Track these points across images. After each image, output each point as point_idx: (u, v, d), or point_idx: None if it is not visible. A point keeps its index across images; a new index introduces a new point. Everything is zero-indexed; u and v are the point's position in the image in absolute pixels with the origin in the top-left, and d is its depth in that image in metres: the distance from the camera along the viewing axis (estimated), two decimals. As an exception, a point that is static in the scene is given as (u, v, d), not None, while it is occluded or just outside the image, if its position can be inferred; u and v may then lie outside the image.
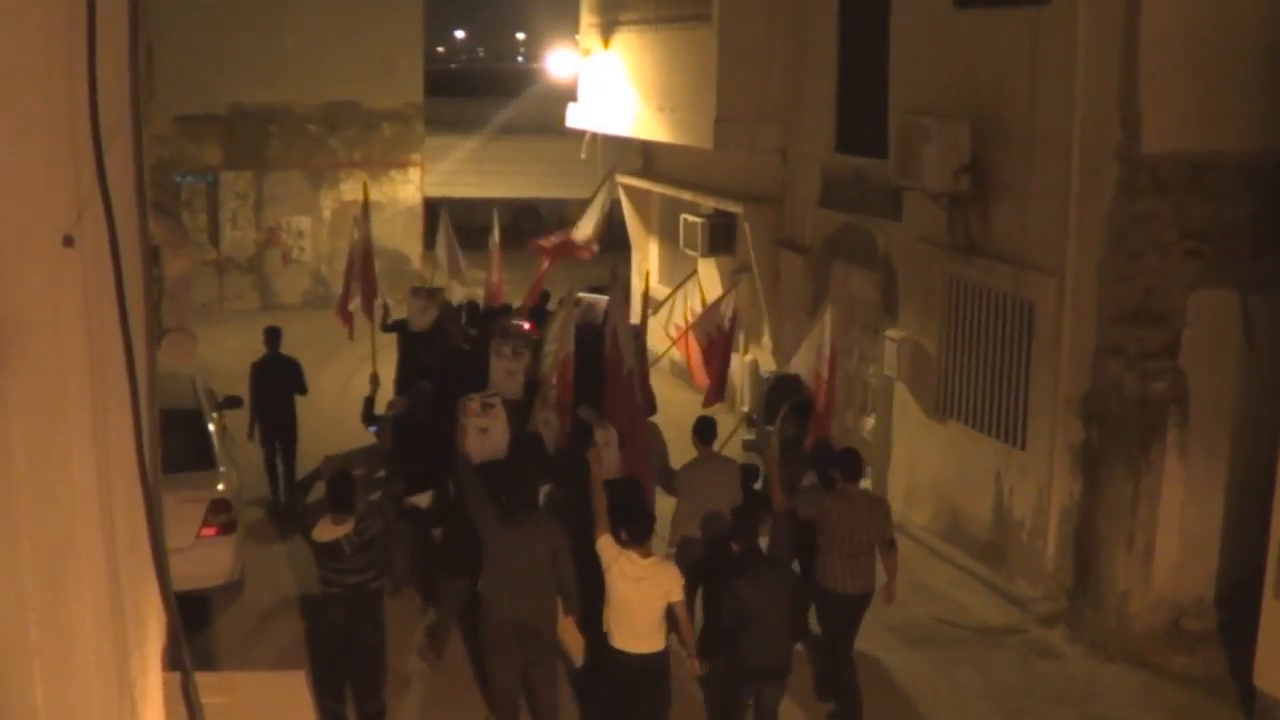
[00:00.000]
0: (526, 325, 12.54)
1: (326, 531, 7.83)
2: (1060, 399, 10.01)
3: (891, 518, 8.58)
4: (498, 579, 7.72)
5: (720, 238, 15.15)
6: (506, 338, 11.28)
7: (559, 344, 10.27)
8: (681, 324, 12.16)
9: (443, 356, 12.00)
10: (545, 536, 7.69)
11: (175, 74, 18.68)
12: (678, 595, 7.36)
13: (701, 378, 11.67)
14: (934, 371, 11.54)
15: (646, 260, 17.67)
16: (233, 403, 11.76)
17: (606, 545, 7.40)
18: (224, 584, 9.59)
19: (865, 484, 10.71)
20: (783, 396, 12.18)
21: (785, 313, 14.37)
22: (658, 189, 16.98)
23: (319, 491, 8.32)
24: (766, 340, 14.82)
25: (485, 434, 9.28)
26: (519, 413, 9.78)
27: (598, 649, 7.68)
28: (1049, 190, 10.01)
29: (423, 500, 9.68)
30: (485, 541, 7.80)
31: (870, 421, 12.95)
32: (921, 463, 11.89)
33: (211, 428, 10.32)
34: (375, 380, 11.51)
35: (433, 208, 19.00)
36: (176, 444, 9.11)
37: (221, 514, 9.45)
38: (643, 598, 7.32)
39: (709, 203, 15.30)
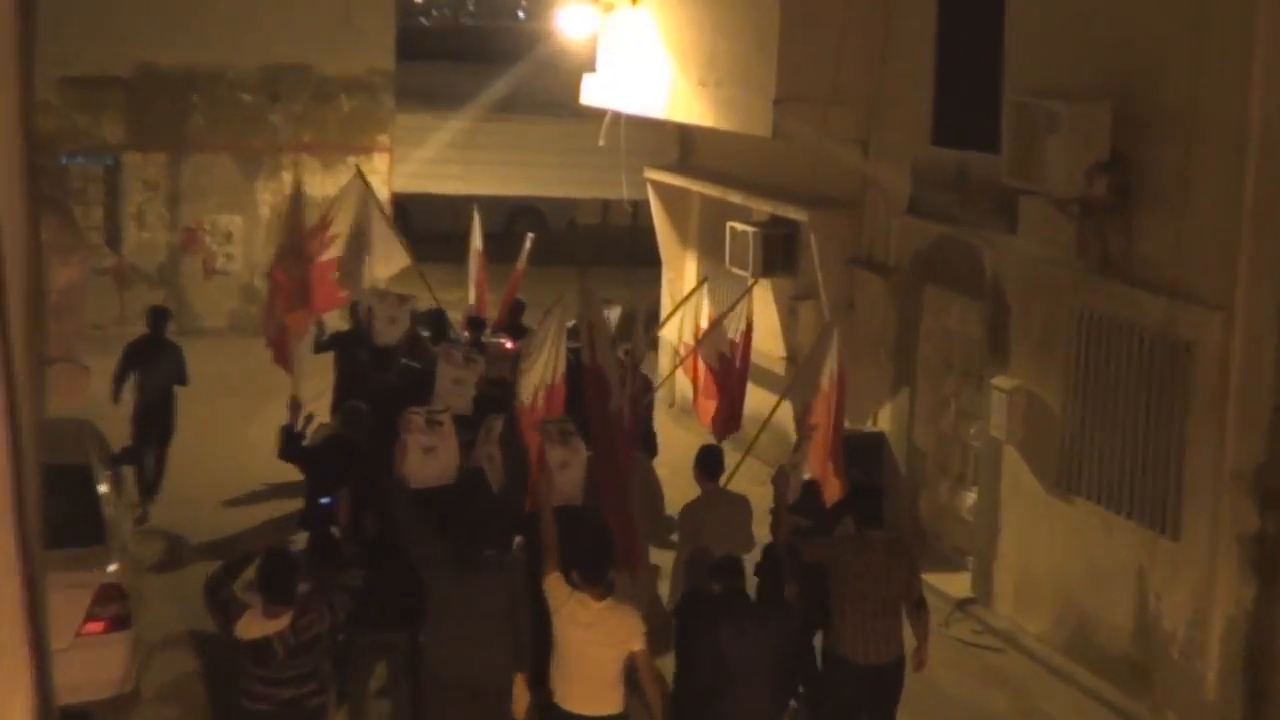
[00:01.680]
0: (509, 343, 13.11)
1: (254, 627, 7.74)
2: (1227, 473, 9.94)
3: (919, 571, 9.09)
4: (448, 632, 8.07)
5: (778, 253, 15.19)
6: (457, 343, 12.08)
7: (546, 367, 10.55)
8: (690, 343, 12.87)
9: (406, 380, 12.35)
10: (504, 581, 8.20)
11: (63, 21, 18.37)
12: (639, 644, 7.78)
13: (703, 406, 12.32)
14: (1056, 433, 11.49)
15: (680, 280, 17.66)
16: (128, 457, 11.91)
17: (555, 585, 7.91)
18: (112, 697, 9.34)
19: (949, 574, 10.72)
20: (851, 456, 12.35)
21: (860, 354, 14.32)
22: (697, 188, 17.04)
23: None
24: None
25: (430, 455, 9.94)
26: (466, 431, 10.48)
27: (545, 713, 8.10)
28: (1215, 197, 9.98)
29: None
30: (432, 587, 8.20)
31: (970, 497, 12.93)
32: (1038, 553, 11.83)
33: (103, 489, 10.23)
34: (296, 406, 11.75)
35: (403, 206, 19.09)
36: (56, 511, 9.01)
37: (111, 604, 9.27)
38: (596, 648, 7.77)
39: (764, 207, 15.36)
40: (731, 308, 12.65)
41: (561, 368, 10.68)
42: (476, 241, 15.46)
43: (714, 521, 9.67)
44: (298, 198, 14.17)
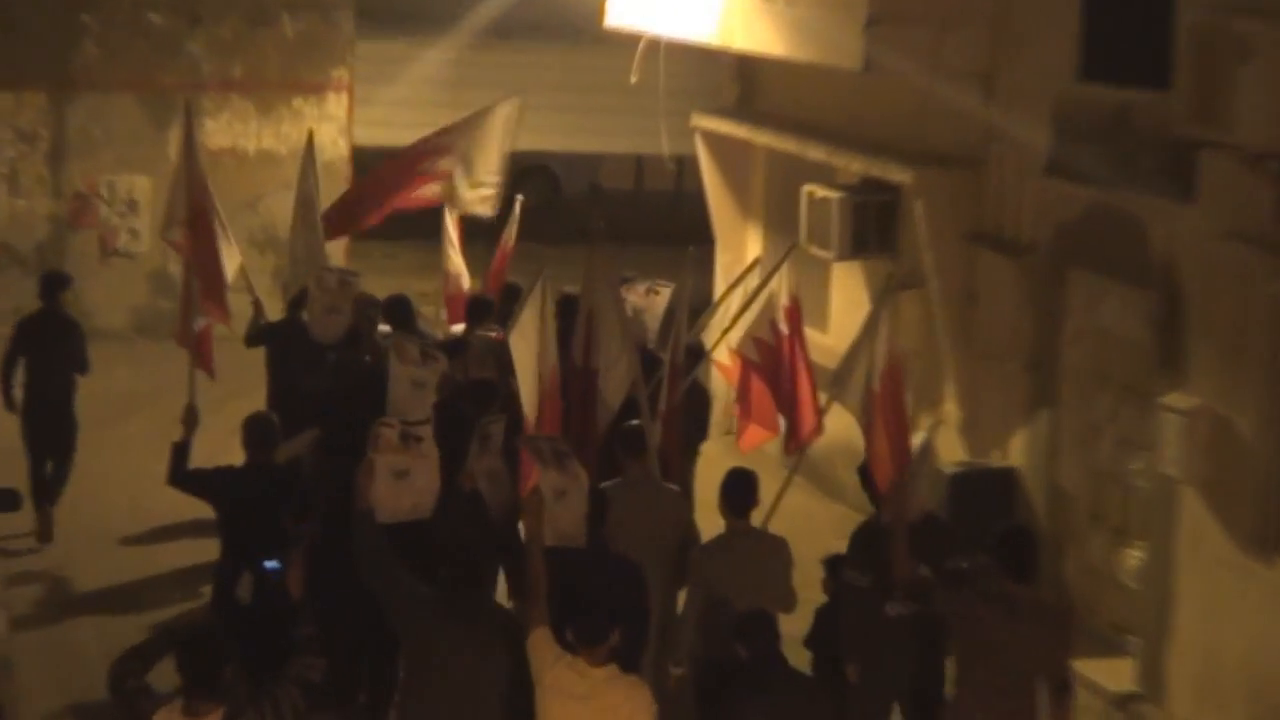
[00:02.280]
0: (496, 335, 13.31)
1: None
2: None
3: (1070, 645, 9.31)
4: (431, 699, 8.48)
5: (871, 227, 15.20)
6: (412, 337, 12.34)
7: (535, 353, 10.99)
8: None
9: (345, 384, 12.62)
10: (503, 638, 8.55)
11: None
12: None
13: (746, 423, 12.56)
14: (1253, 470, 11.45)
15: (740, 263, 17.61)
16: (5, 502, 11.95)
17: (541, 644, 8.29)
18: None
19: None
20: (969, 500, 12.84)
21: (985, 358, 14.30)
22: (763, 140, 17.01)
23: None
24: (949, 409, 14.80)
25: (404, 481, 10.22)
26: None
27: None
28: None
29: None
30: (409, 642, 8.60)
31: (1134, 555, 12.90)
32: (1228, 633, 11.77)
33: None
34: (192, 416, 11.86)
35: (368, 164, 19.04)
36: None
37: None
38: None
39: (853, 166, 15.35)
40: (766, 280, 12.77)
41: (552, 359, 10.97)
42: (450, 223, 15.41)
43: (737, 568, 9.91)
44: (190, 141, 14.14)
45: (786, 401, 12.37)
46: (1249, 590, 11.56)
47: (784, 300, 12.38)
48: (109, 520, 14.63)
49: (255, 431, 11.05)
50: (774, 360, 12.34)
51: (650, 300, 14.17)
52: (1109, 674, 12.58)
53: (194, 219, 13.34)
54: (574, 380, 10.61)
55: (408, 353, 11.91)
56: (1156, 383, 12.29)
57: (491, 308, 14.13)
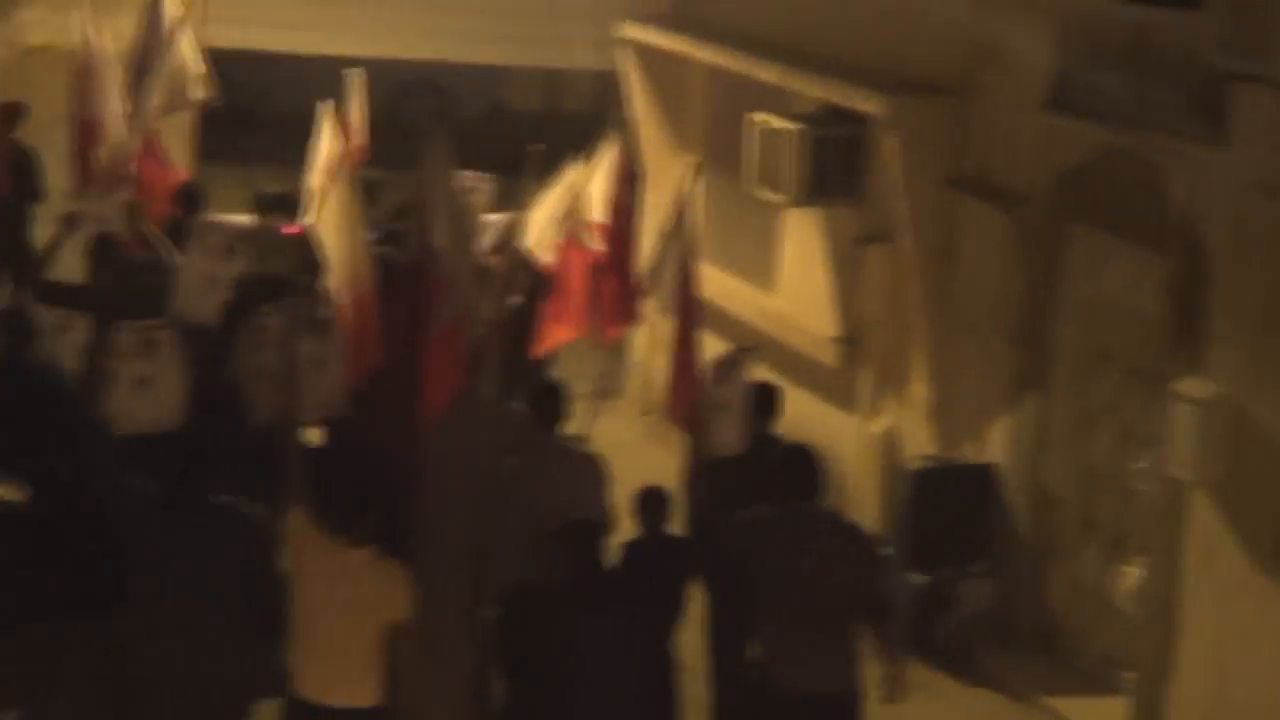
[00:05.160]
0: (293, 228, 14.10)
1: None
2: None
3: (882, 571, 10.57)
4: (161, 615, 9.31)
5: (833, 166, 15.23)
6: (216, 224, 13.46)
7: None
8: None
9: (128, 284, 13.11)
10: (240, 536, 9.47)
11: None
12: (401, 612, 9.34)
13: (562, 326, 14.01)
14: (1280, 474, 11.55)
15: (673, 202, 17.58)
16: None
17: (297, 527, 9.46)
18: None
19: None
20: (936, 502, 13.53)
21: (963, 329, 14.39)
22: (704, 55, 17.16)
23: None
24: (918, 390, 14.89)
25: (145, 388, 11.24)
26: (215, 350, 11.77)
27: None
28: None
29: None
30: (136, 546, 9.44)
31: (1131, 573, 13.03)
32: (1243, 666, 11.84)
33: None
34: None
35: (224, 72, 18.88)
36: None
37: None
38: (345, 610, 9.23)
39: (813, 91, 15.40)
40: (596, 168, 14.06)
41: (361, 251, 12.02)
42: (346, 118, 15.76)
43: (541, 488, 10.80)
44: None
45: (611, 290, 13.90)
46: (1268, 617, 11.64)
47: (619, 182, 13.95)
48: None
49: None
50: (616, 237, 13.88)
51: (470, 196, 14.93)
52: (1098, 715, 12.77)
53: None
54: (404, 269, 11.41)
55: (208, 240, 12.80)
56: (1168, 366, 12.37)
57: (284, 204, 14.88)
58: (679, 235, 12.73)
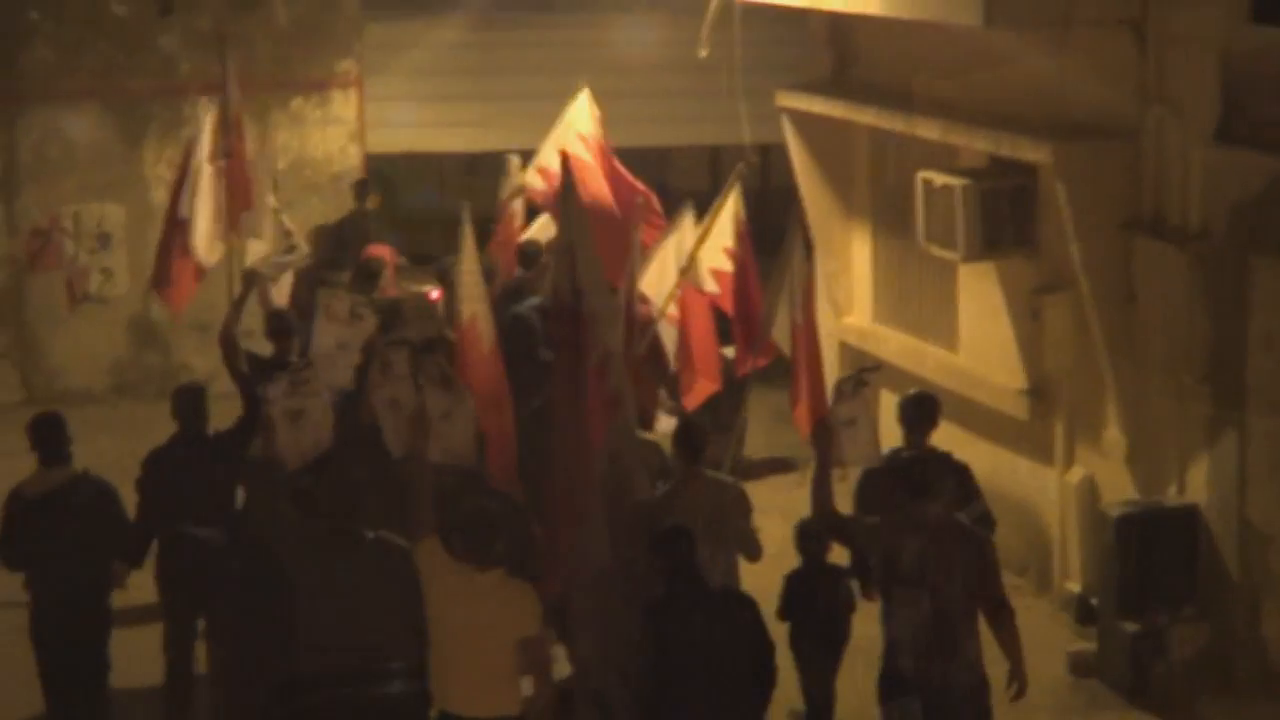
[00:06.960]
0: (435, 293, 16.45)
1: None
2: None
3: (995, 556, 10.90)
4: (317, 624, 10.14)
5: (1004, 218, 15.13)
6: (342, 293, 14.52)
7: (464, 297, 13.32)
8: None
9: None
10: (386, 564, 10.26)
11: None
12: (533, 628, 10.03)
13: (687, 365, 15.19)
14: None
15: (848, 273, 17.86)
16: None
17: (428, 553, 10.16)
18: None
19: None
20: (1142, 548, 13.51)
21: (1154, 372, 14.25)
22: (865, 118, 17.12)
23: None
24: (1112, 436, 14.73)
25: (299, 420, 12.29)
26: (349, 408, 12.94)
27: None
28: None
29: None
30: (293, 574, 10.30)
31: None
32: None
33: None
34: None
35: (383, 175, 19.00)
36: None
37: None
38: (483, 628, 9.96)
39: (978, 144, 15.35)
40: (715, 215, 14.78)
41: (479, 304, 13.32)
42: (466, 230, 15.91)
43: (687, 515, 11.15)
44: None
45: (744, 320, 14.94)
46: None
47: (736, 224, 14.84)
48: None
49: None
50: (740, 278, 14.84)
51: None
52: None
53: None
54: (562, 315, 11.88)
55: (333, 309, 13.61)
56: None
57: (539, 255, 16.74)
58: (789, 260, 13.71)
